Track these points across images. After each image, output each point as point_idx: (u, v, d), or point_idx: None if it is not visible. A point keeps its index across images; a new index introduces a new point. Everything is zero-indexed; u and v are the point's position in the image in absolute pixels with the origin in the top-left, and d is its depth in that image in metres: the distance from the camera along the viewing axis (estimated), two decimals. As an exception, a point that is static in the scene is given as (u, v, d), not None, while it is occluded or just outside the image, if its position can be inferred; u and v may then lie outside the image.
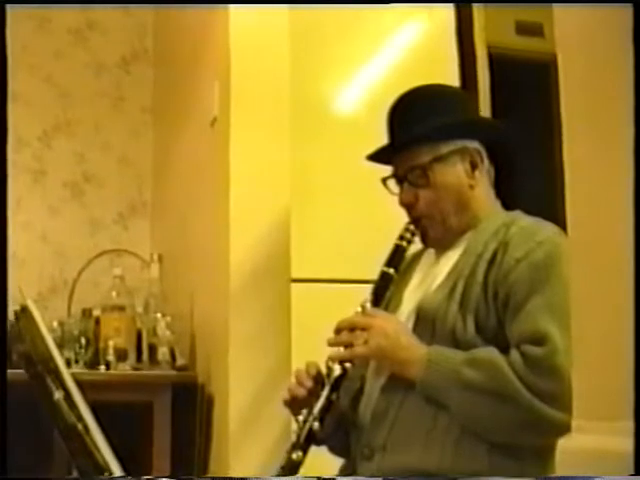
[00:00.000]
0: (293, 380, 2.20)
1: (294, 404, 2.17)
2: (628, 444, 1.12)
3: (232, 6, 3.15)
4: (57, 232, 4.32)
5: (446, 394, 2.00)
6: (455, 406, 1.99)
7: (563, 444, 1.31)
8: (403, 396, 2.07)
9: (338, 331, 2.14)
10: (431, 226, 2.22)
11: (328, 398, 2.09)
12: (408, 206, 2.24)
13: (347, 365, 2.11)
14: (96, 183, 4.45)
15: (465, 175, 2.21)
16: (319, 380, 2.15)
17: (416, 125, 2.21)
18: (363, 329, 2.10)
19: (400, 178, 2.25)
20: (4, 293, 1.42)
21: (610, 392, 1.21)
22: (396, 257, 2.23)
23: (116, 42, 4.60)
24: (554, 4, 1.49)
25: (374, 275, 2.23)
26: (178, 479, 2.39)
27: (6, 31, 1.52)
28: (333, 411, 2.11)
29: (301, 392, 2.14)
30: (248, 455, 2.91)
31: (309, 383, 2.14)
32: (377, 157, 2.30)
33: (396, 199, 2.26)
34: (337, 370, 2.10)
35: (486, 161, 2.25)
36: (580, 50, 1.35)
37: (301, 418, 2.09)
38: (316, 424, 2.07)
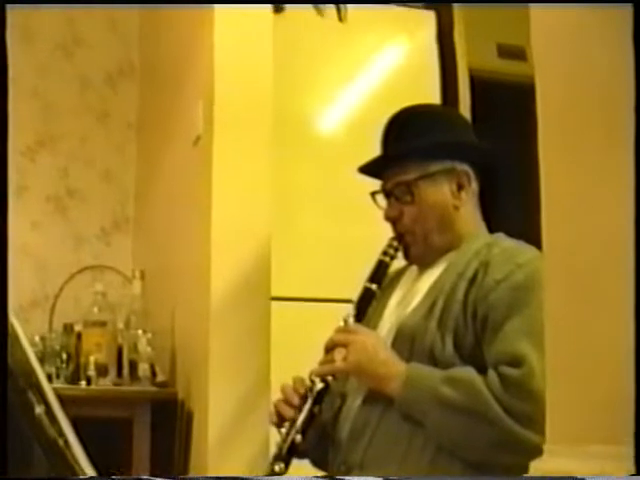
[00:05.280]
0: (280, 396, 2.21)
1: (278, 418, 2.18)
2: (598, 467, 1.14)
3: (217, 21, 3.16)
4: (39, 246, 4.30)
5: (423, 411, 2.01)
6: (431, 423, 2.00)
7: (535, 466, 1.32)
8: (381, 413, 2.09)
9: (327, 350, 2.17)
10: (414, 242, 2.25)
11: (311, 411, 2.11)
12: (393, 221, 2.26)
13: (329, 379, 2.14)
14: (79, 198, 4.44)
15: (451, 195, 2.24)
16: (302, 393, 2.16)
17: (409, 140, 2.24)
18: (343, 345, 2.13)
19: (388, 193, 2.28)
20: (4, 294, 1.43)
21: (582, 416, 1.23)
22: (379, 273, 2.26)
23: (102, 58, 4.60)
24: (532, 28, 1.52)
25: (354, 294, 2.26)
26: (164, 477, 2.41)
27: (6, 32, 1.52)
28: (315, 424, 2.13)
29: (288, 413, 2.15)
30: (227, 471, 2.91)
31: (297, 401, 2.15)
32: (368, 170, 2.33)
33: (377, 218, 2.29)
34: (319, 384, 2.13)
35: (474, 183, 2.28)
36: (558, 74, 1.37)
37: (284, 430, 2.11)
38: (298, 437, 2.08)
